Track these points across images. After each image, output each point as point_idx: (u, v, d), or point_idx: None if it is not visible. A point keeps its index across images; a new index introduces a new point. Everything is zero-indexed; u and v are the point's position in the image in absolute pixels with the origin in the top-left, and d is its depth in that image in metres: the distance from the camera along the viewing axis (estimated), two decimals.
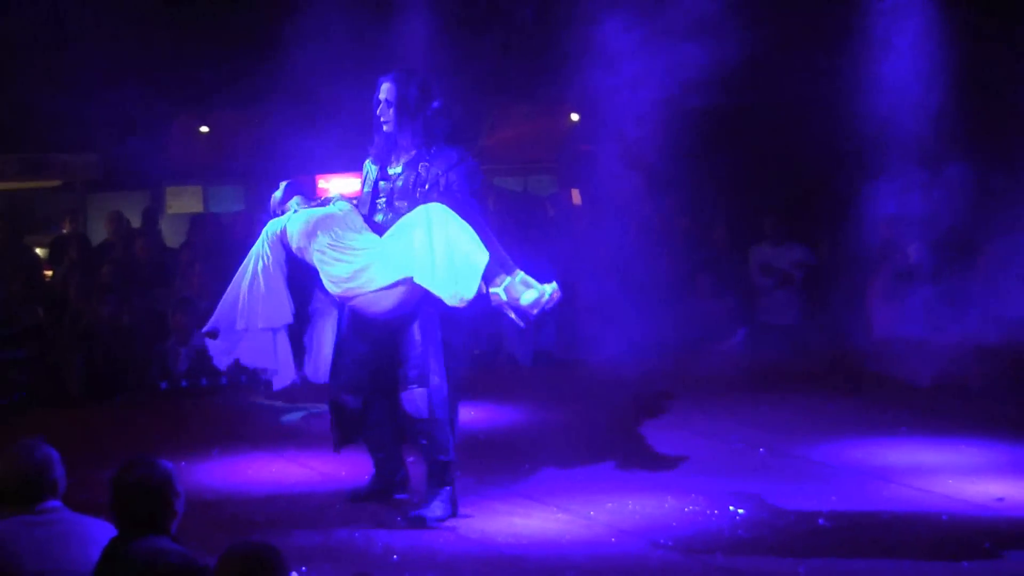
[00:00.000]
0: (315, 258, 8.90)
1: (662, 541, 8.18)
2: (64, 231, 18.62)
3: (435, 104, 9.14)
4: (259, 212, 18.85)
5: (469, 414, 11.80)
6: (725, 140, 17.78)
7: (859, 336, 14.39)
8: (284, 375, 9.12)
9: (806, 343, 14.73)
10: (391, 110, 9.12)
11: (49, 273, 16.37)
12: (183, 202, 21.39)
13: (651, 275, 15.38)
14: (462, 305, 8.55)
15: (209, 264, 15.00)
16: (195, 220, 18.06)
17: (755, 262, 15.51)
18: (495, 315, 13.94)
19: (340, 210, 9.09)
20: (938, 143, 13.84)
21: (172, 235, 18.50)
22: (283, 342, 9.06)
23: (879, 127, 13.97)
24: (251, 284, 9.00)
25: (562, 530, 8.52)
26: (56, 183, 20.81)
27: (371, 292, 8.74)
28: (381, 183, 9.13)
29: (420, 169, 8.98)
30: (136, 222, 17.92)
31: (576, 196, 20.82)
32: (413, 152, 9.07)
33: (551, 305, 8.76)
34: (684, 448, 10.66)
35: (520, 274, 8.79)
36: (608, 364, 14.08)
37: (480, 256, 8.55)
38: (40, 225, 19.30)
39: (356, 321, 9.02)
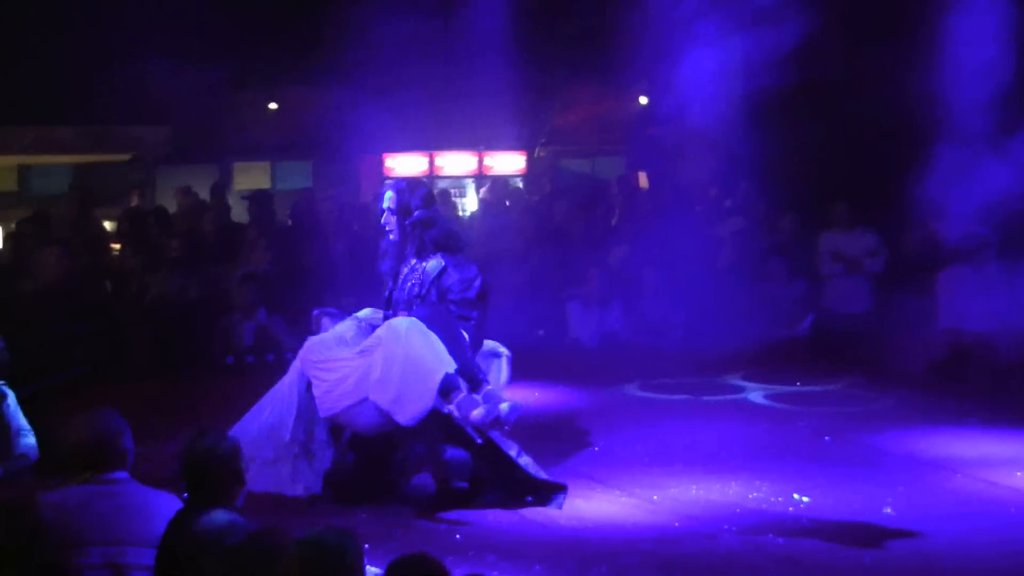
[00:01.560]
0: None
1: (726, 527, 8.13)
2: (132, 204, 18.74)
3: (418, 213, 9.15)
4: (326, 189, 19.01)
5: (534, 396, 11.81)
6: (795, 123, 17.65)
7: (929, 324, 14.26)
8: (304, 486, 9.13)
9: (874, 331, 14.60)
10: (393, 218, 9.15)
11: (117, 247, 16.47)
12: (251, 178, 21.47)
13: (718, 259, 15.32)
14: (411, 424, 8.51)
15: (274, 240, 15.06)
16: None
17: (824, 249, 15.37)
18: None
19: (344, 327, 9.13)
20: (1015, 127, 13.64)
21: (240, 211, 18.56)
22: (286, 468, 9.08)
23: (952, 110, 13.79)
24: (265, 411, 9.12)
25: (626, 514, 8.50)
26: (126, 157, 20.96)
27: (343, 409, 8.75)
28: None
29: (416, 278, 9.02)
30: (204, 197, 18.02)
31: (643, 179, 20.75)
32: (413, 260, 9.11)
33: (505, 419, 8.50)
34: (749, 433, 10.62)
35: (485, 388, 8.66)
36: (674, 347, 14.05)
37: (431, 379, 8.46)
38: (110, 198, 19.41)
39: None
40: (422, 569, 4.70)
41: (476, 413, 8.39)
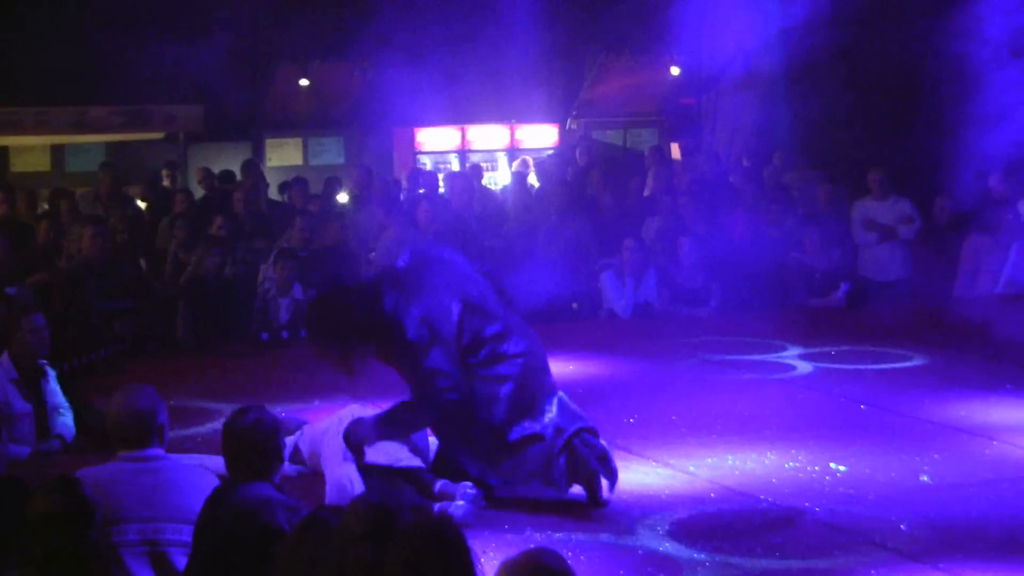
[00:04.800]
0: None
1: (763, 497, 8.13)
2: (164, 183, 18.79)
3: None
4: (358, 164, 19.05)
5: (568, 368, 11.81)
6: (825, 92, 17.60)
7: (960, 291, 14.23)
8: None
9: (910, 299, 14.57)
10: None
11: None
12: (283, 154, 21.53)
13: (752, 229, 15.29)
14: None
15: (310, 217, 15.09)
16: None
17: (858, 217, 15.32)
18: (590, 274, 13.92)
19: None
20: None
21: (273, 187, 18.62)
22: None
23: (991, 74, 13.69)
24: None
25: (662, 484, 8.49)
26: (160, 135, 21.04)
27: None
28: None
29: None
30: (236, 175, 18.06)
31: (676, 150, 20.72)
32: None
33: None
34: (785, 403, 10.60)
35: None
36: (708, 318, 14.04)
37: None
38: (143, 176, 19.49)
39: None
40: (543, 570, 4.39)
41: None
